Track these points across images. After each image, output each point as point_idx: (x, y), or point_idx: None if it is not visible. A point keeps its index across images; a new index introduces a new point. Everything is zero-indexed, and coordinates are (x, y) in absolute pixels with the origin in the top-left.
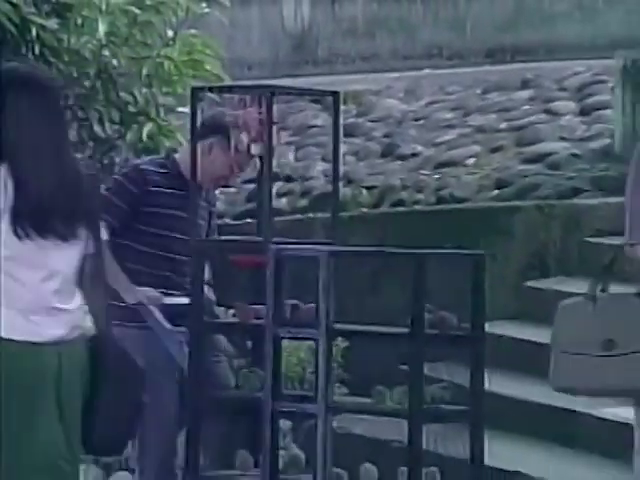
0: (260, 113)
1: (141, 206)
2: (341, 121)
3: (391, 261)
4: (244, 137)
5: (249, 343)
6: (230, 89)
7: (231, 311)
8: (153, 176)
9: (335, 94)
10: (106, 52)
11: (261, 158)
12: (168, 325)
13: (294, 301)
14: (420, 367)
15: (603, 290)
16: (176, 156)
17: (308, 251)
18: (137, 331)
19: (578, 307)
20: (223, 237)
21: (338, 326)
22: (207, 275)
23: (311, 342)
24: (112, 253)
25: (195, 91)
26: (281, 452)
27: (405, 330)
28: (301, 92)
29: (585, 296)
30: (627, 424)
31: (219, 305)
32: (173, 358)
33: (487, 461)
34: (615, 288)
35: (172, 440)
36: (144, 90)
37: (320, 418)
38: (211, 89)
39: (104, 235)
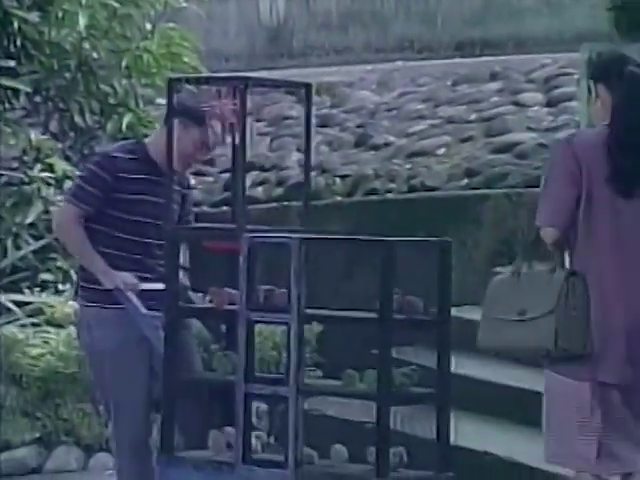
0: (234, 104)
1: (113, 192)
2: (315, 112)
3: (360, 248)
4: (218, 127)
5: (223, 327)
6: (206, 80)
7: (208, 297)
8: (123, 163)
9: (308, 86)
10: (86, 45)
11: (235, 147)
12: (144, 310)
13: (269, 286)
14: (388, 351)
15: (529, 267)
16: (146, 141)
17: (280, 238)
18: (107, 311)
19: (505, 281)
20: (198, 224)
21: (309, 311)
22: (182, 261)
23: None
24: (88, 238)
25: (171, 82)
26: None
27: (374, 315)
28: (275, 84)
29: (512, 272)
30: None
31: (194, 291)
32: (146, 339)
33: (457, 441)
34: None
35: (146, 418)
36: (124, 82)
37: (291, 400)
38: (187, 80)
39: None
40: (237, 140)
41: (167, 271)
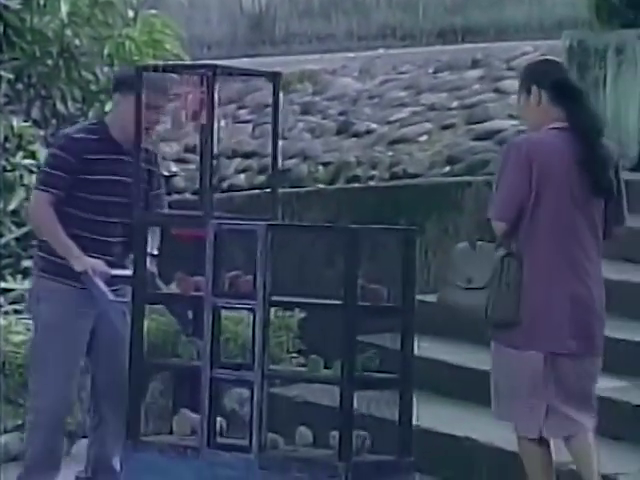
0: (202, 92)
1: (78, 174)
2: (297, 99)
3: (326, 236)
4: (182, 115)
5: (190, 313)
6: (174, 68)
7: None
8: (86, 144)
9: (276, 75)
10: (68, 32)
11: (203, 135)
12: (111, 296)
13: (235, 272)
14: (352, 337)
15: (480, 240)
16: (106, 121)
17: (246, 225)
18: (58, 285)
19: (464, 250)
20: (166, 211)
21: (275, 297)
22: (149, 247)
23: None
24: (60, 222)
25: (139, 70)
26: None
27: (338, 302)
28: (244, 72)
29: (469, 242)
30: None
31: (162, 278)
32: (91, 321)
33: (438, 427)
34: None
35: (66, 399)
36: (105, 69)
37: (256, 385)
38: (155, 68)
39: None
40: (205, 128)
41: (135, 257)
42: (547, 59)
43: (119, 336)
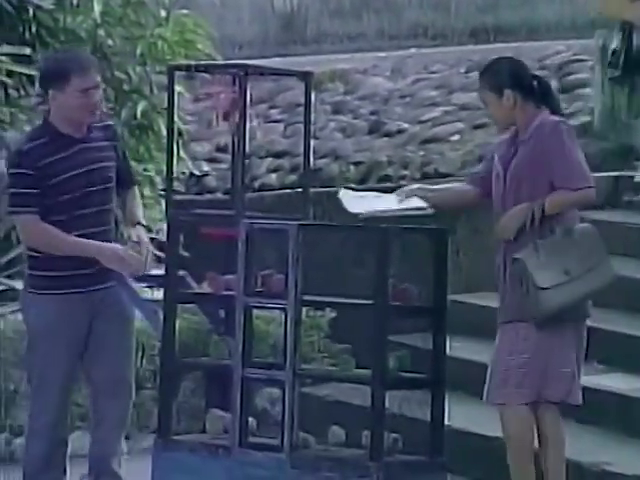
0: (233, 92)
1: (44, 182)
2: (329, 99)
3: (357, 235)
4: (216, 114)
5: (221, 312)
6: (205, 68)
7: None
8: (39, 150)
9: (307, 74)
10: (101, 32)
11: (235, 135)
12: (143, 295)
13: (268, 271)
14: (383, 337)
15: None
16: (50, 119)
17: (277, 225)
18: (42, 296)
19: (530, 256)
20: (197, 210)
21: (306, 297)
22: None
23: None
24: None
25: (171, 69)
26: None
27: (369, 301)
28: (275, 72)
29: (533, 247)
30: (598, 390)
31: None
32: (80, 328)
33: (470, 427)
34: None
35: (63, 405)
36: (138, 69)
37: (288, 384)
38: (187, 67)
39: None
40: (236, 127)
41: (167, 257)
42: (504, 58)
43: (114, 333)
